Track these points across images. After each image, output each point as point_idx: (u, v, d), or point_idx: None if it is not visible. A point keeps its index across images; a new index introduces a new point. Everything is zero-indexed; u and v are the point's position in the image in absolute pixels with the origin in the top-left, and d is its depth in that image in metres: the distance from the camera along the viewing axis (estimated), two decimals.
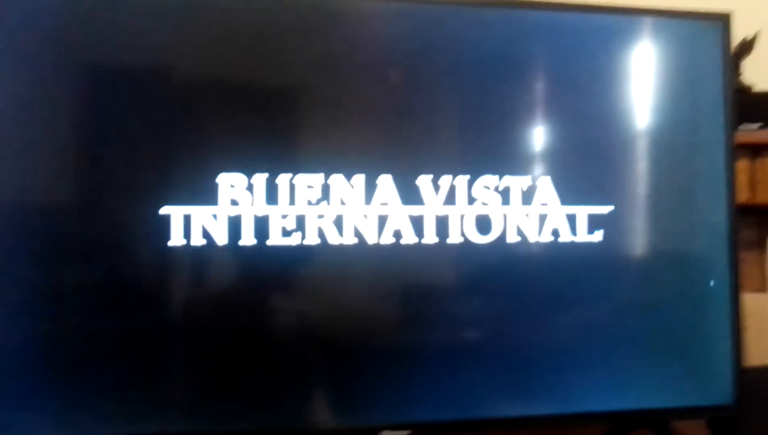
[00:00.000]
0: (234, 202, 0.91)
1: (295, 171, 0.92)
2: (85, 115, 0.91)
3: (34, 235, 0.88)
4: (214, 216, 0.90)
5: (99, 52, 0.90)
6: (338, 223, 0.94)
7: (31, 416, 0.88)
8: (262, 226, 0.91)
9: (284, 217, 0.92)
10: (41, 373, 0.88)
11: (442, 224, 0.96)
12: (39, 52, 0.88)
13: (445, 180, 0.97)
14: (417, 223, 0.96)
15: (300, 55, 0.95)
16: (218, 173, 0.90)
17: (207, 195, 0.90)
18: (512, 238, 0.99)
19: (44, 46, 0.89)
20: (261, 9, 0.94)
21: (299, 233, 0.92)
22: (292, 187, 0.92)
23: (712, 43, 1.07)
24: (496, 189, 0.98)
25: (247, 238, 0.91)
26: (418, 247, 0.96)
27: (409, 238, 0.95)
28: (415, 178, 0.96)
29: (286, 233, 0.92)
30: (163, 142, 0.91)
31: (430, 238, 0.96)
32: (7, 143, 0.88)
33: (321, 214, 0.93)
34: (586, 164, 1.03)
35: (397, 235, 0.95)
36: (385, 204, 0.95)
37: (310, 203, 0.93)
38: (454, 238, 0.97)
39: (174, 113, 0.92)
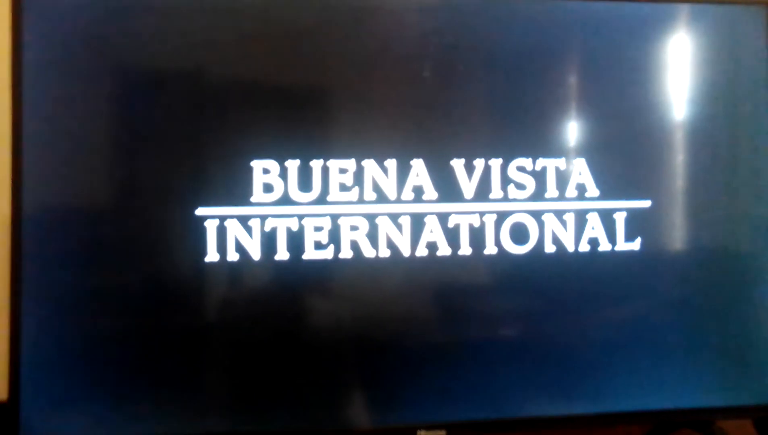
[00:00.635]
0: (268, 189, 0.91)
1: (328, 157, 0.92)
2: (120, 117, 0.91)
3: (71, 238, 0.89)
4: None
5: (132, 53, 0.90)
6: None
7: (66, 417, 0.89)
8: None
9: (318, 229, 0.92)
10: (78, 374, 0.88)
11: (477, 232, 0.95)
12: (72, 56, 0.89)
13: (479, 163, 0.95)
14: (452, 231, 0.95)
15: (333, 50, 0.94)
16: (252, 160, 0.91)
17: (242, 185, 0.90)
18: (549, 235, 0.97)
19: (77, 50, 0.89)
20: (292, 4, 0.94)
21: (332, 246, 0.92)
22: (325, 171, 0.92)
23: (755, 30, 1.03)
24: (532, 172, 0.97)
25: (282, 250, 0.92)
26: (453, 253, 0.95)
27: (443, 247, 0.95)
28: (449, 161, 0.95)
29: (320, 246, 0.92)
30: (197, 139, 0.91)
31: (465, 244, 0.95)
32: (46, 147, 0.89)
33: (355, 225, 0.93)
34: (624, 158, 1.00)
35: (433, 247, 0.94)
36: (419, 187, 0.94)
37: (343, 188, 0.92)
38: (489, 243, 0.96)
39: (208, 111, 0.91)
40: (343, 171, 0.93)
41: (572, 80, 1.00)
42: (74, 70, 0.89)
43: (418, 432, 0.94)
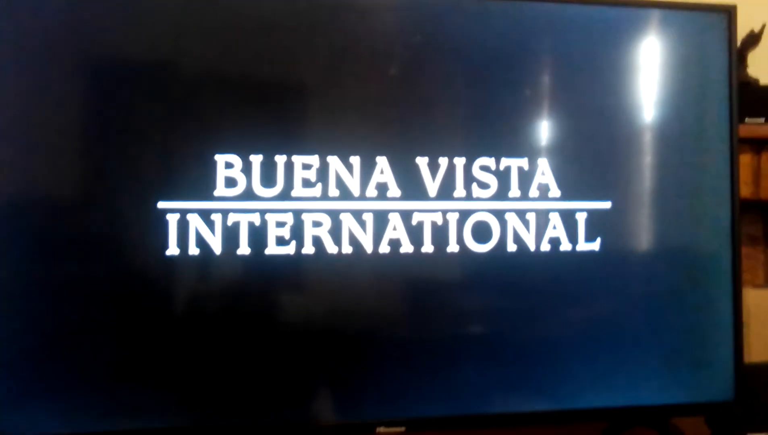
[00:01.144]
0: (231, 183, 0.90)
1: (292, 152, 0.91)
2: (82, 108, 0.90)
3: (30, 230, 0.87)
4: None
5: (96, 45, 0.89)
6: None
7: (29, 410, 0.87)
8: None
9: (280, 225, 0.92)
10: (34, 369, 0.87)
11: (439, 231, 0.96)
12: (33, 46, 0.87)
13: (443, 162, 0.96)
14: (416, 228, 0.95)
15: (302, 47, 0.94)
16: (215, 154, 0.90)
17: (205, 179, 0.90)
18: (511, 234, 0.98)
19: (38, 40, 0.87)
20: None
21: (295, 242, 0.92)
22: (289, 166, 0.92)
23: (717, 36, 1.05)
24: (496, 171, 0.97)
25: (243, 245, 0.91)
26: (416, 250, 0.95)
27: (406, 245, 0.95)
28: (413, 158, 0.95)
29: (282, 242, 0.92)
30: (160, 132, 0.90)
31: (428, 241, 0.95)
32: (2, 137, 0.87)
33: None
34: (587, 159, 1.01)
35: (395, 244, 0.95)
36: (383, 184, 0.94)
37: (307, 184, 0.92)
38: (452, 245, 0.96)
39: (175, 104, 0.90)
40: (306, 167, 0.92)
41: (537, 82, 1.01)
42: (34, 60, 0.87)
43: (378, 428, 0.94)
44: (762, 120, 1.25)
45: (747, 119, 1.23)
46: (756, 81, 1.30)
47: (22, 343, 0.87)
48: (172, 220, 0.89)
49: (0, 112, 0.87)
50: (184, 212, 0.89)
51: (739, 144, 1.05)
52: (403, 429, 0.95)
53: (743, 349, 1.04)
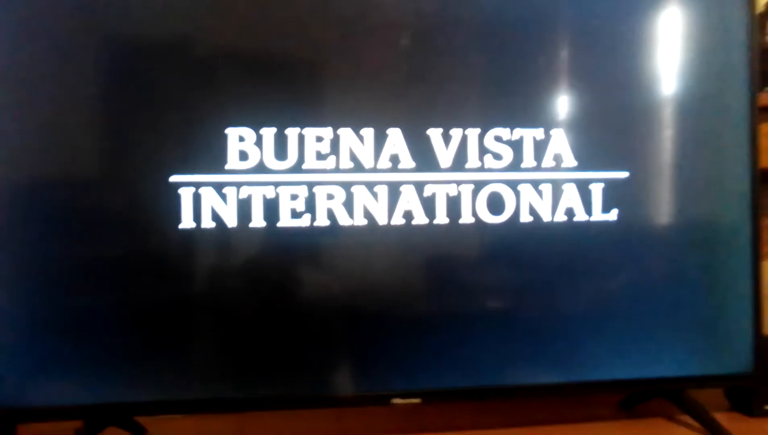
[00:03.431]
0: (243, 157, 0.90)
1: (304, 125, 0.91)
2: (93, 84, 0.89)
3: (43, 206, 0.88)
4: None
5: (108, 20, 0.89)
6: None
7: (51, 382, 0.89)
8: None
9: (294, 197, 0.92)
10: (52, 344, 0.88)
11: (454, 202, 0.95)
12: (44, 21, 0.87)
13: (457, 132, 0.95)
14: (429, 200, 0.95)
15: (313, 19, 0.93)
16: (227, 127, 0.90)
17: (217, 152, 0.90)
18: (526, 205, 0.97)
19: (49, 15, 0.87)
20: None
21: (308, 215, 0.92)
22: (301, 139, 0.91)
23: (736, 3, 1.02)
24: (509, 142, 0.96)
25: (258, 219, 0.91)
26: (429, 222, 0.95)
27: (419, 216, 0.95)
28: (426, 130, 0.94)
29: (296, 214, 0.91)
30: (172, 106, 0.90)
31: (441, 213, 0.95)
32: (15, 115, 0.87)
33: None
34: (603, 129, 0.99)
35: (409, 216, 0.94)
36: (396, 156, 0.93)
37: (319, 157, 0.92)
38: (466, 216, 0.96)
39: (187, 79, 0.90)
40: (319, 139, 0.92)
41: (552, 51, 0.99)
42: (47, 35, 0.87)
43: (393, 400, 0.95)
44: None
45: (767, 88, 1.20)
46: None
47: (41, 318, 0.88)
48: (186, 193, 0.89)
49: (10, 89, 0.87)
50: (197, 186, 0.90)
51: (758, 113, 1.03)
52: (418, 400, 0.95)
53: (762, 321, 1.03)
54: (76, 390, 0.89)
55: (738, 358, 1.03)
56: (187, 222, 0.90)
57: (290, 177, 0.92)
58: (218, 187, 0.90)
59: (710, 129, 1.03)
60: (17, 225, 0.87)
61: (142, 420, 0.99)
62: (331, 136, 0.92)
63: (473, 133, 0.95)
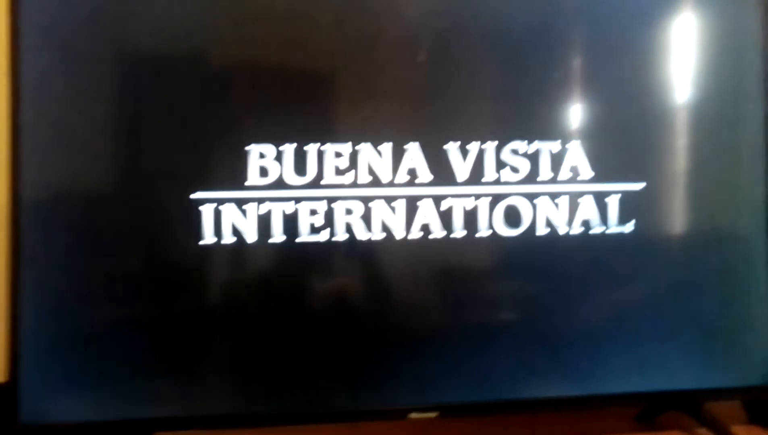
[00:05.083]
0: (264, 173, 0.91)
1: (324, 141, 0.92)
2: (116, 101, 0.90)
3: (68, 222, 0.89)
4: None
5: (130, 37, 0.90)
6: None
7: (67, 399, 0.89)
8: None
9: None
10: (78, 357, 0.89)
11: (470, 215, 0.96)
12: (70, 39, 0.88)
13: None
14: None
15: (329, 34, 0.94)
16: (248, 144, 0.90)
17: (238, 169, 0.90)
18: (542, 217, 0.97)
19: (74, 33, 0.89)
20: None
21: (327, 229, 0.93)
22: (320, 155, 0.92)
23: (749, 12, 1.03)
24: (526, 154, 0.97)
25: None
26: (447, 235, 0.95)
27: (437, 230, 0.95)
28: (443, 144, 0.95)
29: (315, 230, 0.92)
30: (194, 124, 0.91)
31: (459, 226, 0.95)
32: (42, 132, 0.88)
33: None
34: (619, 140, 1.00)
35: (426, 230, 0.95)
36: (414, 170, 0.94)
37: (338, 172, 0.93)
38: (483, 229, 0.96)
39: (205, 95, 0.91)
40: (338, 154, 0.93)
41: (568, 63, 0.99)
42: (72, 53, 0.89)
43: (410, 414, 0.95)
44: None
45: None
46: None
47: (61, 334, 0.89)
48: (207, 210, 0.90)
49: (37, 108, 0.88)
50: (218, 202, 0.90)
51: None
52: (435, 414, 0.95)
53: None
54: (97, 406, 0.90)
55: (757, 370, 1.02)
56: (208, 238, 0.90)
57: (309, 192, 0.92)
58: (239, 203, 0.91)
59: (726, 137, 1.03)
60: (39, 241, 0.88)
61: None
62: (350, 150, 0.93)
63: (490, 146, 0.96)
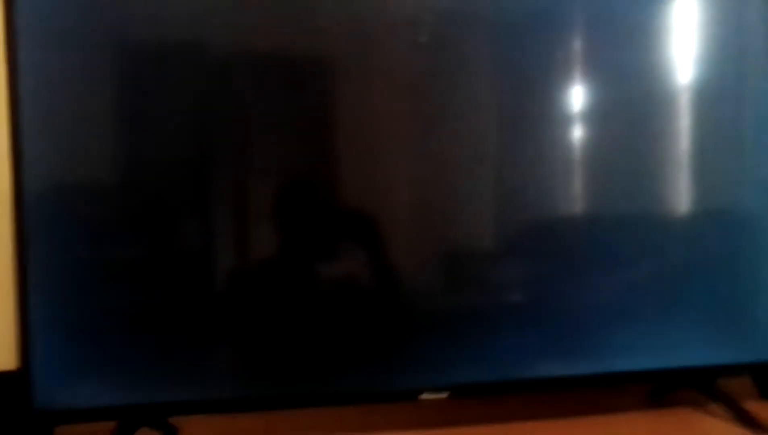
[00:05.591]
0: None
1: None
2: (120, 88, 0.90)
3: (75, 207, 0.89)
4: None
5: (129, 25, 0.90)
6: None
7: (79, 385, 0.90)
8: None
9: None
10: (89, 343, 0.90)
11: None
12: (69, 29, 0.88)
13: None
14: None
15: (330, 20, 0.93)
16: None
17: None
18: (553, 194, 0.97)
19: (75, 18, 0.88)
20: None
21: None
22: None
23: None
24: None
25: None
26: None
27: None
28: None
29: None
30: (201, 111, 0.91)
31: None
32: (45, 120, 0.88)
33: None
34: (624, 118, 0.99)
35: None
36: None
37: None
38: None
39: (208, 84, 0.91)
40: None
41: (573, 44, 0.98)
42: (71, 43, 0.88)
43: (422, 395, 0.95)
44: None
45: None
46: None
47: (76, 321, 0.89)
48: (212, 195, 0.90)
49: (40, 95, 0.88)
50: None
51: None
52: (446, 395, 0.96)
53: None
54: (111, 391, 0.90)
55: (767, 346, 1.02)
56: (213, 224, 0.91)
57: None
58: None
59: (732, 115, 1.02)
60: (50, 230, 0.89)
61: (174, 420, 1.00)
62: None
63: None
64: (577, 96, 0.98)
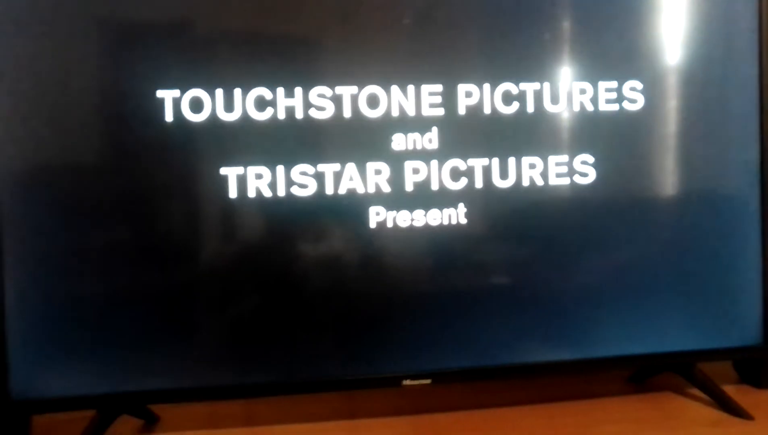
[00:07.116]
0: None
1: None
2: (96, 65, 0.88)
3: (51, 191, 0.88)
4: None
5: (103, 5, 0.88)
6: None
7: (63, 373, 0.89)
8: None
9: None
10: (68, 330, 0.88)
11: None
12: (43, 12, 0.86)
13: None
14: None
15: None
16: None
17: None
18: (533, 177, 0.97)
19: (48, 4, 0.86)
20: None
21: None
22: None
23: None
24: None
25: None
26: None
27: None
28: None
29: (302, 185, 0.91)
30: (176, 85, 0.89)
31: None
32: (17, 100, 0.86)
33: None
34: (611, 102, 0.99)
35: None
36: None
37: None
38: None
39: (191, 62, 0.89)
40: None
41: (562, 25, 0.97)
42: (41, 18, 0.86)
43: (404, 381, 0.95)
44: None
45: None
46: None
47: (53, 309, 0.88)
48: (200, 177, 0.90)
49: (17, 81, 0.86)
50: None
51: None
52: (428, 381, 0.95)
53: None
54: (90, 380, 0.90)
55: (747, 331, 1.03)
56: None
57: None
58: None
59: (718, 97, 1.01)
60: (26, 215, 0.87)
61: (154, 407, 1.00)
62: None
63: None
64: (564, 77, 0.97)
